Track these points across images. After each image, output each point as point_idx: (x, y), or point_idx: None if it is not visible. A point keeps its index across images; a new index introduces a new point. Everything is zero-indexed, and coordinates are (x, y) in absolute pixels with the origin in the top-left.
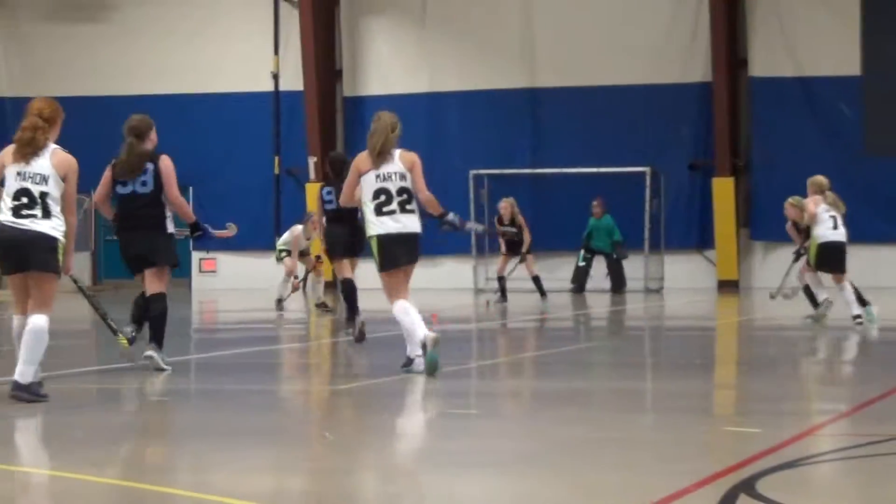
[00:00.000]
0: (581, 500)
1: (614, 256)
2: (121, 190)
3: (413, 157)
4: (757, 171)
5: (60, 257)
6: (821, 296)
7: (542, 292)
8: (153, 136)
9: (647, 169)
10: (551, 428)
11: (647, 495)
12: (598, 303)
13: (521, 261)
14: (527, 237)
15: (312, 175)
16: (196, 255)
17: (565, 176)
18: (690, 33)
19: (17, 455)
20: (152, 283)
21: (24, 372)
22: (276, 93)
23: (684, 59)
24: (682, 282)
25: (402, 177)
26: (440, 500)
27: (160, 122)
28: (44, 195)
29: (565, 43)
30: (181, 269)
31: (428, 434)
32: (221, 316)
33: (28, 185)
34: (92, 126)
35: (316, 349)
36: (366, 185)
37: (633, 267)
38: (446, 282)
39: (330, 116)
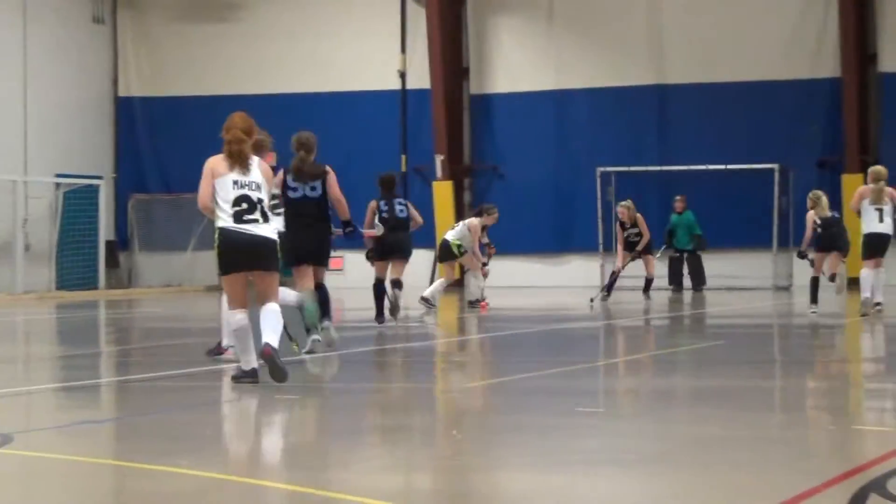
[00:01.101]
0: (712, 498)
1: (694, 251)
2: (292, 194)
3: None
4: (887, 167)
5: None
6: (866, 293)
7: (646, 292)
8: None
9: (775, 166)
10: (680, 426)
11: (777, 495)
12: (718, 300)
13: (634, 258)
14: (645, 236)
15: (439, 173)
16: None
17: (693, 173)
18: (819, 28)
19: (146, 453)
20: (318, 275)
21: (273, 339)
22: (404, 91)
23: (813, 55)
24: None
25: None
26: (574, 499)
27: (287, 120)
28: (259, 201)
29: (693, 39)
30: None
31: (557, 432)
32: (346, 314)
33: (246, 192)
34: (220, 124)
35: (437, 349)
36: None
37: (751, 264)
38: (573, 279)
39: (457, 114)
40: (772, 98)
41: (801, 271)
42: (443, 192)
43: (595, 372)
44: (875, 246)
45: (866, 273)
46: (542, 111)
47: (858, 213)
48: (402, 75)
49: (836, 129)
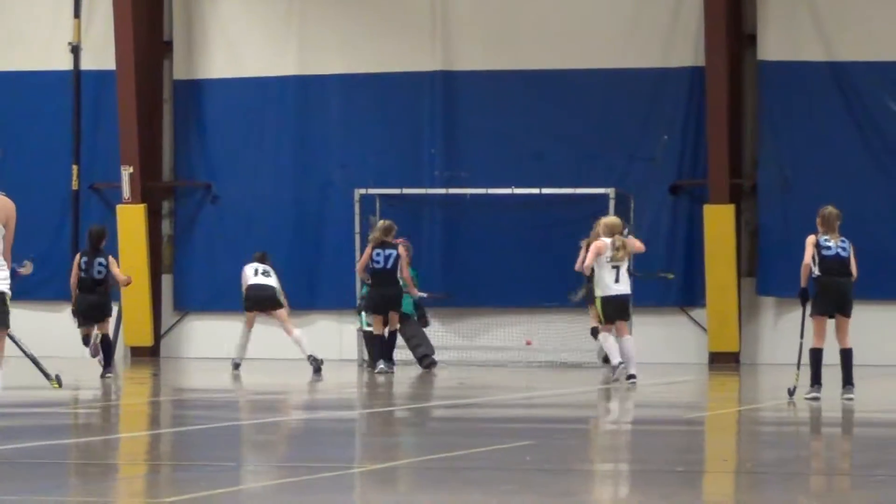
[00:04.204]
0: None
1: (415, 318)
2: None
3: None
4: (768, 195)
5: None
6: (615, 359)
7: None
8: None
9: (609, 191)
10: None
11: None
12: (520, 381)
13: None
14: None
15: (127, 193)
16: None
17: (493, 200)
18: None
19: None
20: None
21: None
22: (77, 73)
23: (666, 34)
24: (659, 354)
25: None
26: None
27: None
28: None
29: (491, 8)
30: None
31: None
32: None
33: None
34: None
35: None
36: None
37: (574, 331)
38: (320, 346)
39: (153, 108)
40: (605, 96)
41: (646, 343)
42: (131, 219)
43: (347, 483)
44: (616, 309)
45: (607, 337)
46: (277, 107)
47: (591, 271)
48: (76, 50)
49: (697, 140)
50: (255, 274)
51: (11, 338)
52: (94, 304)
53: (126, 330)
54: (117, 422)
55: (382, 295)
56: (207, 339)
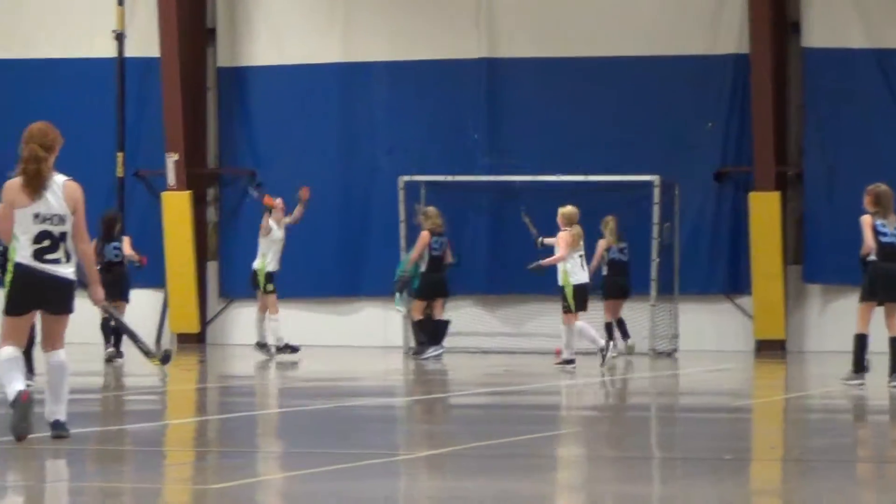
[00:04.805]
0: None
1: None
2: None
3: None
4: (813, 182)
5: None
6: (600, 341)
7: (423, 341)
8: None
9: (654, 178)
10: None
11: None
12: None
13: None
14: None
15: (172, 180)
16: None
17: (537, 187)
18: None
19: None
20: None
21: (62, 411)
22: (121, 60)
23: (711, 21)
24: (705, 342)
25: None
26: None
27: None
28: (62, 237)
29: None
30: None
31: None
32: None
33: (48, 227)
34: None
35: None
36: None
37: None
38: (365, 334)
39: (198, 96)
40: (650, 83)
41: (692, 331)
42: (176, 206)
43: (392, 470)
44: (586, 297)
45: (584, 325)
46: (322, 94)
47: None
48: (120, 38)
49: (742, 128)
50: None
51: (112, 315)
52: (109, 283)
53: (172, 317)
54: (164, 408)
55: (436, 281)
56: (253, 326)
